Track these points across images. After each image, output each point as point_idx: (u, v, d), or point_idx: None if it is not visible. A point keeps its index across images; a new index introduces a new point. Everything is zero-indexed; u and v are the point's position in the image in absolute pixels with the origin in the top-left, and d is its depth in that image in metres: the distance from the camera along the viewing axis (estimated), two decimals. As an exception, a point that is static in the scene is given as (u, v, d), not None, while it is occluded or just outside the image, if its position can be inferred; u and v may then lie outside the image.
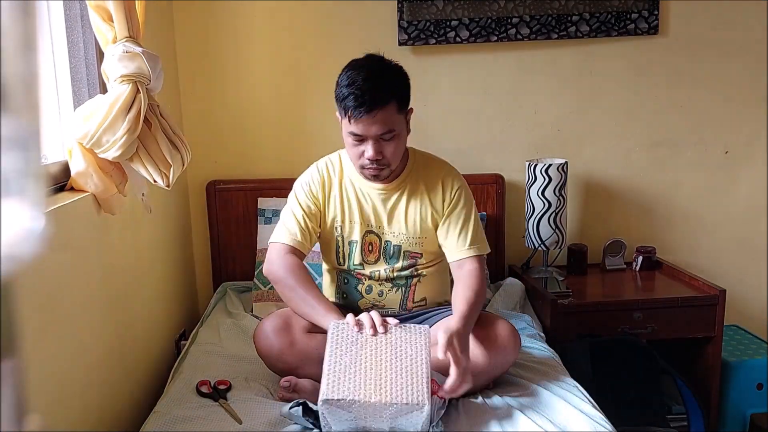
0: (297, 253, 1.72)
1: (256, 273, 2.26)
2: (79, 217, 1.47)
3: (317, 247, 1.89)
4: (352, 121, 1.59)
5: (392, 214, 1.76)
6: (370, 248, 1.77)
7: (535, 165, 2.30)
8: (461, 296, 1.64)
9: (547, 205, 2.29)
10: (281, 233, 1.74)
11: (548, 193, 2.28)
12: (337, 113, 1.67)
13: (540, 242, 2.33)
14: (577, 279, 2.40)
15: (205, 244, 2.47)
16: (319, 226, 1.78)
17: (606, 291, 2.40)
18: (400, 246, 1.76)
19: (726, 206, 2.58)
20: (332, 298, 1.85)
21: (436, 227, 1.76)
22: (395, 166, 1.69)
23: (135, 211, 1.79)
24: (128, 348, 1.75)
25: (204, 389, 1.64)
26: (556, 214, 2.30)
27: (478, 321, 1.63)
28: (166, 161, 1.56)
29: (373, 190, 1.76)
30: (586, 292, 2.31)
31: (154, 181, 1.58)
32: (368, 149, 1.61)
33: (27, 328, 1.17)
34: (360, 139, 1.61)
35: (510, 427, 1.46)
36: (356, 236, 1.77)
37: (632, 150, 2.54)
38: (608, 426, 1.46)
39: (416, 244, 1.76)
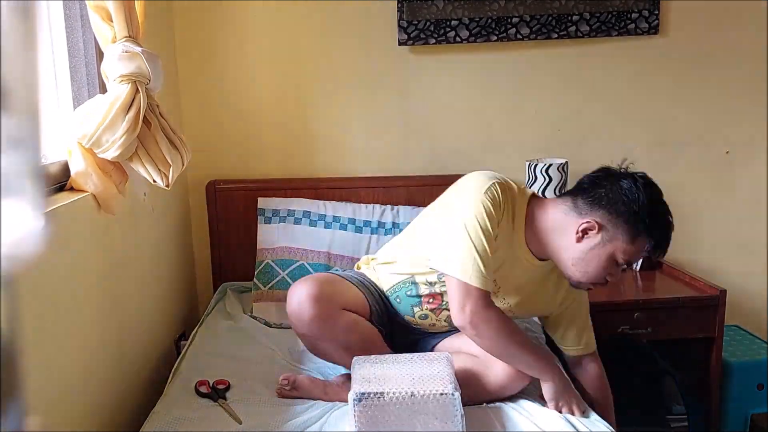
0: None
1: (255, 273, 2.26)
2: (78, 217, 1.47)
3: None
4: (641, 250, 1.52)
5: (521, 291, 1.66)
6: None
7: (535, 165, 2.30)
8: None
9: (547, 205, 2.29)
10: (478, 275, 1.47)
11: (548, 193, 2.28)
12: (613, 232, 1.50)
13: (540, 242, 2.32)
14: (577, 279, 2.40)
15: (205, 244, 2.47)
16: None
17: (606, 291, 2.39)
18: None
19: (726, 206, 2.58)
20: (385, 290, 1.76)
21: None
22: None
23: (135, 211, 1.79)
24: (128, 348, 1.75)
25: (203, 389, 1.64)
26: (556, 214, 2.30)
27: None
28: (165, 161, 1.56)
29: (526, 260, 1.62)
30: (586, 292, 2.31)
31: (154, 181, 1.58)
32: (618, 273, 1.55)
33: (27, 328, 1.17)
34: (626, 265, 1.55)
35: (510, 427, 1.46)
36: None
37: (632, 150, 2.54)
38: (608, 426, 1.46)
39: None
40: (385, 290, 1.75)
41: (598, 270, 1.52)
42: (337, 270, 2.12)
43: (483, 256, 1.47)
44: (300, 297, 1.58)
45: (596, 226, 1.49)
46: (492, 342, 1.51)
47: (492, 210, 1.49)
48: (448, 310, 1.57)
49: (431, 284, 1.66)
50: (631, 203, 1.48)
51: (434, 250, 1.57)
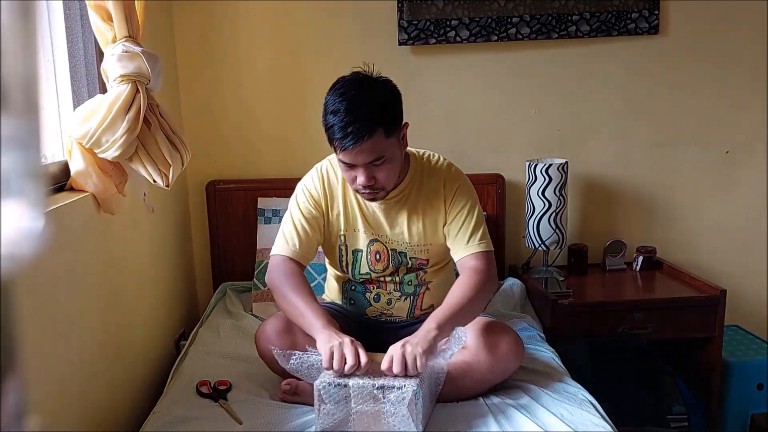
0: (297, 263, 1.69)
1: (255, 273, 2.26)
2: (78, 217, 1.47)
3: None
4: (338, 150, 1.56)
5: (395, 224, 1.73)
6: (378, 257, 1.74)
7: (535, 165, 2.30)
8: (450, 294, 1.60)
9: (547, 205, 2.29)
10: (281, 245, 1.71)
11: (548, 193, 2.28)
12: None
13: (540, 242, 2.33)
14: (577, 279, 2.40)
15: (205, 244, 2.47)
16: (322, 234, 1.75)
17: (606, 291, 2.40)
18: (406, 253, 1.74)
19: (726, 206, 2.58)
20: (339, 302, 1.84)
21: (442, 232, 1.74)
22: (391, 187, 1.65)
23: (135, 211, 1.79)
24: (128, 348, 1.75)
25: (204, 389, 1.64)
26: (557, 214, 2.30)
27: (482, 328, 1.61)
28: (165, 161, 1.56)
29: (373, 202, 1.73)
30: (586, 292, 2.31)
31: (154, 181, 1.58)
32: (359, 176, 1.57)
33: (27, 328, 1.17)
34: (350, 165, 1.58)
35: (509, 428, 1.46)
36: (361, 245, 1.74)
37: (632, 150, 2.54)
38: (608, 426, 1.46)
39: (422, 251, 1.74)
40: (339, 302, 1.84)
41: (344, 175, 1.64)
42: None
43: None
44: (265, 335, 1.65)
45: None
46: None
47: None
48: (393, 271, 1.74)
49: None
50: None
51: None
